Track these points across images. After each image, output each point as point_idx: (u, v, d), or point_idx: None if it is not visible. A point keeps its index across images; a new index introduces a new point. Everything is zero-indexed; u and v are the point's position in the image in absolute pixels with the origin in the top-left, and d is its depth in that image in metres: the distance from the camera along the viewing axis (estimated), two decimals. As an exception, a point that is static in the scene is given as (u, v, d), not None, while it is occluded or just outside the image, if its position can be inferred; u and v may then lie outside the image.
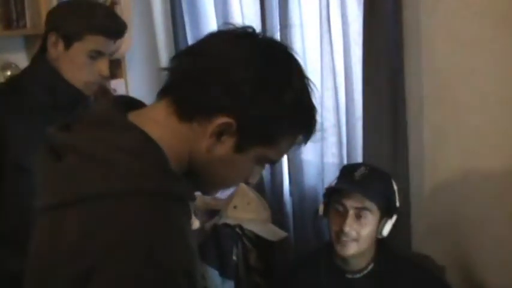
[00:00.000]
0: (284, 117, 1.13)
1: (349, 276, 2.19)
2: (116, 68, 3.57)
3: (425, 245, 2.66)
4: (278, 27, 3.04)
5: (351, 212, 2.08)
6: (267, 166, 3.17)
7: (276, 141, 1.15)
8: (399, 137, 2.65)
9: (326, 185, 2.92)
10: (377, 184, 2.13)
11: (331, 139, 2.97)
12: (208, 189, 1.27)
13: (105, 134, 1.08)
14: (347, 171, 2.21)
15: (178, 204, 1.08)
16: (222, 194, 3.34)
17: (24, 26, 3.12)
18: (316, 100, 1.19)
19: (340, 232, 2.09)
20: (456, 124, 2.50)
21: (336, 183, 2.18)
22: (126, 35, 3.08)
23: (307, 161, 3.15)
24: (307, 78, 1.19)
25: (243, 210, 2.74)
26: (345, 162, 2.89)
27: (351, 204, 2.09)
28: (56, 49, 2.06)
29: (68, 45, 2.05)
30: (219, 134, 1.11)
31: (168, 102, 1.13)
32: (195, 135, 1.12)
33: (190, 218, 1.16)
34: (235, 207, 2.75)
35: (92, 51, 2.06)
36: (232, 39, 1.16)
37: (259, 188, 3.22)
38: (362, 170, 2.15)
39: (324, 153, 3.00)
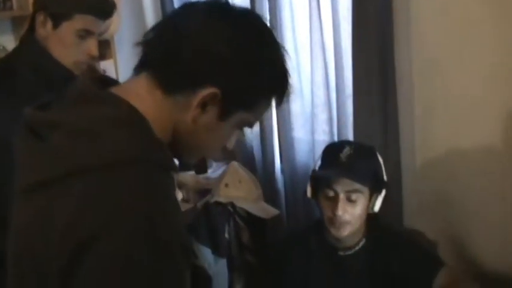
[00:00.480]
0: (264, 83, 1.18)
1: (341, 253, 2.20)
2: (105, 48, 3.55)
3: (417, 221, 2.67)
4: (267, 5, 3.03)
5: (342, 196, 2.08)
6: (258, 143, 3.21)
7: (255, 105, 1.20)
8: (389, 113, 2.65)
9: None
10: (364, 163, 2.12)
11: (321, 116, 2.97)
12: (190, 158, 1.29)
13: (89, 108, 1.09)
14: (331, 152, 2.20)
15: (166, 174, 1.10)
16: (214, 174, 3.35)
17: (11, 7, 3.09)
18: (290, 65, 1.24)
19: (333, 216, 2.09)
20: (447, 100, 2.49)
21: (321, 167, 2.17)
22: (115, 16, 3.06)
23: (298, 139, 3.15)
24: (282, 46, 1.23)
25: (235, 188, 2.74)
26: (336, 139, 2.89)
27: (341, 188, 2.08)
28: (44, 28, 2.04)
29: (56, 24, 2.03)
30: (203, 105, 1.13)
31: (149, 77, 1.15)
32: (180, 107, 1.14)
33: (175, 189, 1.20)
34: (226, 185, 2.75)
35: (81, 30, 2.04)
36: (210, 11, 1.18)
37: (250, 166, 3.23)
38: (347, 150, 2.13)
39: (315, 130, 3.01)
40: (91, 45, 2.09)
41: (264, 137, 3.25)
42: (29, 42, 2.11)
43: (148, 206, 1.00)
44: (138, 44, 1.18)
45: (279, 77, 1.21)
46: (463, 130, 2.46)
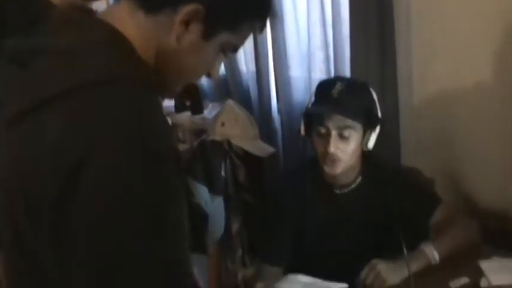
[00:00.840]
0: (247, 2, 1.16)
1: (337, 191, 2.18)
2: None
3: (414, 159, 2.66)
4: None
5: (334, 133, 2.04)
6: (254, 83, 3.18)
7: (239, 25, 1.17)
8: (387, 51, 2.61)
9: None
10: (356, 99, 2.07)
11: (318, 54, 2.95)
12: (175, 83, 1.24)
13: (69, 32, 1.06)
14: (323, 89, 2.14)
15: (151, 92, 1.08)
16: (210, 114, 3.34)
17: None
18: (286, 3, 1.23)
19: (326, 153, 2.06)
20: (445, 36, 2.45)
21: (314, 104, 2.14)
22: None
23: (295, 77, 3.13)
24: None
25: (231, 126, 2.72)
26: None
27: (333, 125, 2.04)
28: None
29: None
30: (187, 22, 1.09)
31: (129, 2, 1.11)
32: (163, 28, 1.10)
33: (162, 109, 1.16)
34: (222, 124, 2.73)
35: None
36: None
37: (246, 105, 3.20)
38: (339, 86, 2.06)
39: (312, 68, 2.98)
40: None
41: (260, 76, 3.22)
42: None
43: (135, 119, 0.97)
44: None
45: None
46: (462, 66, 2.43)
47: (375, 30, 2.59)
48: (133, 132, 0.96)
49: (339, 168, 2.08)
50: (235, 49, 1.24)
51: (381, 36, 2.59)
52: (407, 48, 2.60)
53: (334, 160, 2.06)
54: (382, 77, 2.62)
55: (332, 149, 2.03)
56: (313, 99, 2.15)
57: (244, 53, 3.36)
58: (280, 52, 3.08)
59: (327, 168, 2.09)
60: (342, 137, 2.04)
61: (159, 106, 1.10)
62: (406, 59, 2.61)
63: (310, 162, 2.21)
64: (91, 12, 1.17)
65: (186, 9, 1.07)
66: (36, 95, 1.01)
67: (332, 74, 2.89)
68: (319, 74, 2.96)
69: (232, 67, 3.44)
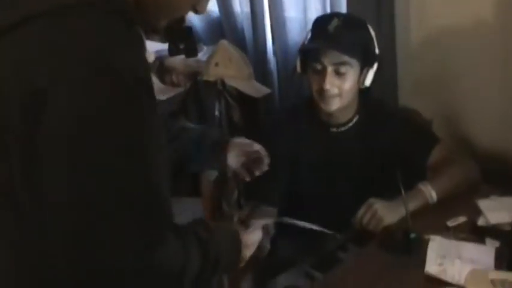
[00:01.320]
0: None
1: (334, 130, 2.16)
2: None
3: (412, 101, 2.63)
4: None
5: (330, 69, 2.01)
6: (248, 24, 3.13)
7: None
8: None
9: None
10: (353, 35, 2.02)
11: (313, -6, 2.88)
12: (157, 18, 1.22)
13: None
14: (319, 24, 2.09)
15: (128, 25, 1.05)
16: (204, 56, 3.29)
17: None
18: None
19: (322, 90, 2.03)
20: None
21: (310, 40, 2.09)
22: None
23: (290, 18, 3.06)
24: None
25: (225, 66, 2.68)
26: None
27: (328, 61, 2.00)
28: None
29: None
30: None
31: None
32: None
33: (143, 46, 1.15)
34: (216, 64, 2.69)
35: None
36: None
37: (241, 47, 3.15)
38: (335, 22, 2.02)
39: (307, 7, 2.92)
40: None
41: (255, 17, 3.16)
42: None
43: (100, 43, 0.97)
44: None
45: None
46: (462, 5, 2.37)
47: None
48: (99, 59, 0.96)
49: (334, 105, 2.05)
50: None
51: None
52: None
53: (330, 96, 2.03)
54: (378, 16, 2.55)
55: (328, 85, 2.00)
56: (309, 35, 2.10)
57: (238, -7, 3.30)
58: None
59: (323, 105, 2.06)
60: (338, 73, 2.00)
61: (130, 36, 1.06)
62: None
63: (305, 101, 2.18)
64: None
65: None
66: (3, 19, 0.99)
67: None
68: (315, 14, 2.89)
69: (227, 8, 3.38)
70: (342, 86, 2.02)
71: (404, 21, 2.58)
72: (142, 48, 1.09)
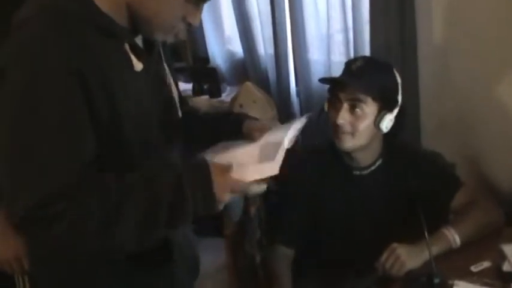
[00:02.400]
0: None
1: (357, 172, 2.16)
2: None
3: (435, 143, 2.62)
4: None
5: (345, 105, 2.02)
6: (272, 66, 3.15)
7: None
8: (407, 33, 2.57)
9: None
10: (373, 75, 2.04)
11: (337, 37, 2.92)
12: (149, 30, 1.36)
13: None
14: (347, 64, 2.13)
15: (98, 34, 1.25)
16: (227, 97, 3.33)
17: None
18: None
19: (336, 125, 2.04)
20: (467, 18, 2.40)
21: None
22: None
23: (314, 60, 3.10)
24: None
25: (249, 108, 2.70)
26: (353, 59, 2.84)
27: (344, 96, 2.02)
28: None
29: None
30: None
31: None
32: None
33: (126, 57, 1.34)
34: (241, 105, 2.71)
35: None
36: None
37: (265, 89, 3.18)
38: (359, 62, 2.07)
39: (331, 50, 2.95)
40: None
41: (279, 59, 3.20)
42: None
43: (43, 40, 1.17)
44: None
45: None
46: (485, 48, 2.37)
47: (395, 13, 2.54)
48: (30, 54, 1.18)
49: (347, 143, 2.05)
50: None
51: (401, 19, 2.55)
52: (428, 33, 2.55)
53: (342, 133, 2.04)
54: (402, 61, 2.57)
55: (340, 120, 2.01)
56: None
57: (263, 35, 3.34)
58: (299, 35, 3.06)
59: (336, 142, 2.07)
60: (353, 110, 2.01)
61: (80, 34, 1.22)
62: (427, 42, 2.57)
63: (329, 143, 2.19)
64: None
65: None
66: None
67: (352, 57, 2.85)
68: (339, 57, 2.93)
69: (251, 50, 3.42)
70: (355, 124, 2.03)
71: (428, 64, 2.60)
72: (103, 53, 1.26)
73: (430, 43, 2.56)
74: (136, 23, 1.31)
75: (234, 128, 1.67)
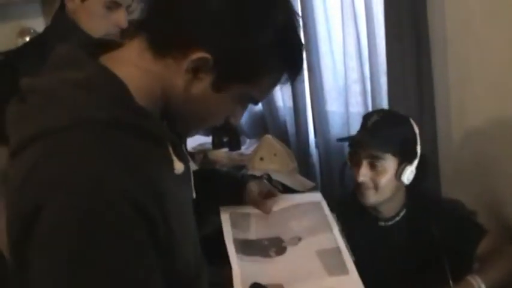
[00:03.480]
0: (266, 53, 1.06)
1: (382, 223, 2.17)
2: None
3: (454, 190, 2.62)
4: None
5: (365, 162, 2.04)
6: (291, 118, 3.18)
7: (257, 78, 1.09)
8: (424, 81, 2.58)
9: (351, 134, 2.91)
10: (390, 130, 2.06)
11: (355, 88, 2.94)
12: (187, 129, 1.22)
13: (61, 72, 1.03)
14: (364, 119, 2.16)
15: (141, 140, 1.02)
16: (247, 150, 3.35)
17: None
18: (322, 35, 1.15)
19: (357, 182, 2.07)
20: (483, 66, 2.43)
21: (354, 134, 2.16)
22: None
23: (332, 112, 3.12)
24: (294, 11, 1.11)
25: (270, 161, 2.73)
26: (370, 110, 2.85)
27: (363, 154, 2.05)
28: (73, 2, 2.06)
29: None
30: (195, 71, 1.04)
31: (142, 39, 1.07)
32: (170, 72, 1.06)
33: (167, 160, 1.11)
34: (261, 158, 2.74)
35: (108, 1, 2.04)
36: None
37: (284, 140, 3.21)
38: (374, 117, 2.08)
39: (349, 102, 2.97)
40: (119, 17, 2.08)
41: (297, 110, 3.23)
42: (59, 18, 2.13)
43: (94, 167, 0.93)
44: (140, 1, 1.14)
45: (286, 48, 1.09)
46: (501, 96, 2.39)
47: (411, 63, 2.57)
48: (91, 183, 0.92)
49: (370, 198, 2.07)
50: (255, 101, 1.17)
51: (418, 69, 2.57)
52: (444, 80, 2.57)
53: (365, 189, 2.06)
54: (420, 110, 2.59)
55: (361, 177, 2.03)
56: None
57: (281, 89, 3.36)
58: (317, 87, 3.09)
59: (360, 198, 2.09)
60: (373, 167, 2.04)
61: (131, 154, 1.00)
62: (443, 90, 2.59)
63: (353, 194, 2.20)
64: (106, 46, 1.14)
65: (192, 57, 1.02)
66: (21, 135, 1.00)
67: (369, 108, 2.88)
68: (357, 108, 2.95)
69: (270, 103, 3.46)
70: (376, 180, 2.04)
71: (445, 114, 2.61)
72: (147, 166, 1.01)
73: (447, 92, 2.58)
74: (172, 118, 1.13)
75: (234, 192, 1.61)
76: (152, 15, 1.08)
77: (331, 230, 1.51)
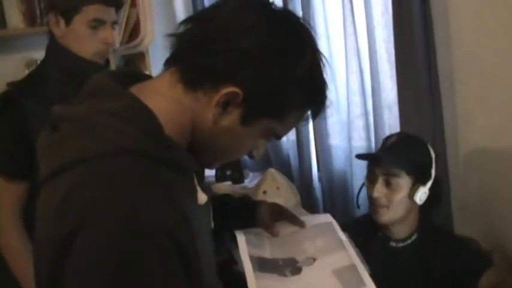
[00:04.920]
0: (293, 91, 1.11)
1: (393, 244, 2.22)
2: (140, 61, 3.59)
3: (461, 222, 2.62)
4: (300, 11, 3.03)
5: (380, 179, 2.13)
6: (294, 152, 3.19)
7: (283, 114, 1.13)
8: (435, 117, 2.56)
9: (354, 168, 2.94)
10: (407, 151, 2.15)
11: (358, 122, 2.96)
12: (211, 161, 1.23)
13: (96, 101, 1.07)
14: (384, 140, 2.27)
15: (170, 171, 1.05)
16: (250, 183, 3.35)
17: (48, 22, 3.14)
18: (327, 75, 1.17)
19: (372, 199, 2.15)
20: (485, 101, 2.44)
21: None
22: (149, 27, 3.10)
23: (335, 146, 3.14)
24: (320, 52, 1.16)
25: (273, 195, 2.73)
26: (373, 145, 2.87)
27: (379, 171, 2.14)
28: (58, 28, 2.12)
29: (68, 21, 2.10)
30: (225, 104, 1.08)
31: (174, 71, 1.11)
32: (200, 105, 1.09)
33: (192, 190, 1.15)
34: (264, 192, 2.75)
35: (92, 21, 2.10)
36: (245, 6, 1.12)
37: (287, 174, 3.22)
38: (394, 138, 2.20)
39: (352, 137, 2.99)
40: (106, 34, 2.15)
41: (301, 144, 3.24)
42: (51, 47, 2.19)
43: (129, 196, 0.96)
44: (169, 35, 1.14)
45: (313, 87, 1.15)
46: (505, 130, 2.41)
47: (421, 97, 2.54)
48: (124, 209, 0.95)
49: (383, 216, 2.14)
50: (278, 136, 1.20)
51: (428, 102, 2.55)
52: (452, 114, 2.58)
53: (378, 206, 2.14)
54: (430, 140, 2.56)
55: (376, 193, 2.11)
56: None
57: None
58: (321, 121, 3.10)
59: (373, 215, 2.17)
60: (388, 184, 2.11)
61: (178, 188, 1.05)
62: (451, 124, 2.60)
63: (366, 216, 2.25)
64: (134, 77, 1.18)
65: (223, 91, 1.06)
66: (54, 162, 1.03)
67: (372, 142, 2.90)
68: (359, 142, 2.97)
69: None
70: (391, 197, 2.11)
71: (454, 149, 2.62)
72: (177, 195, 1.04)
73: (454, 127, 2.59)
74: (197, 149, 1.15)
75: (247, 215, 1.64)
76: (185, 50, 1.11)
77: (344, 248, 1.53)
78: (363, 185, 2.29)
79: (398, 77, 2.63)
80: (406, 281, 2.16)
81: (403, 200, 2.12)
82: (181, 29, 1.13)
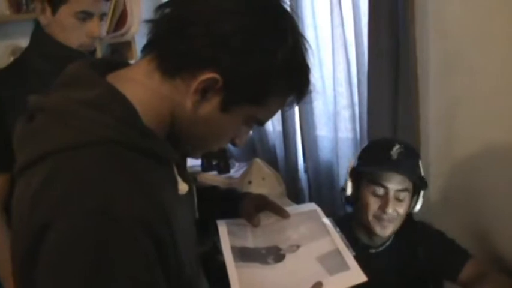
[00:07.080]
0: (274, 75, 1.07)
1: (373, 251, 2.19)
2: (127, 50, 3.58)
3: (442, 218, 2.63)
4: (288, 2, 3.02)
5: (392, 194, 2.06)
6: (280, 143, 3.19)
7: (265, 100, 1.09)
8: (410, 109, 2.59)
9: (340, 159, 2.92)
10: (412, 162, 2.11)
11: (344, 113, 2.96)
12: (192, 150, 1.21)
13: (70, 91, 1.04)
14: (381, 149, 2.14)
15: (147, 161, 1.03)
16: (236, 173, 3.35)
17: (34, 9, 3.12)
18: (310, 59, 1.13)
19: (382, 214, 2.07)
20: (469, 94, 2.45)
21: (369, 164, 2.14)
22: (136, 16, 3.06)
23: (321, 136, 3.15)
24: (302, 35, 1.11)
25: (258, 185, 2.74)
26: (359, 136, 2.88)
27: (392, 186, 2.05)
28: (45, 16, 2.07)
29: (54, 10, 2.05)
30: (203, 91, 1.05)
31: (151, 58, 1.08)
32: (179, 92, 1.06)
33: (172, 179, 1.13)
34: (249, 182, 2.75)
35: (79, 12, 2.05)
36: None
37: (273, 165, 3.22)
38: (398, 148, 2.09)
39: (338, 128, 2.99)
40: (92, 27, 2.09)
41: (287, 135, 3.25)
42: (36, 35, 2.15)
43: (103, 187, 0.94)
44: (147, 21, 1.10)
45: (294, 71, 1.10)
46: (487, 125, 2.41)
47: (393, 96, 2.58)
48: (101, 204, 0.92)
49: (389, 229, 2.10)
50: (260, 123, 1.17)
51: (404, 95, 2.58)
52: (434, 107, 2.59)
53: (388, 220, 2.08)
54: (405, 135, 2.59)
55: (390, 210, 2.04)
56: (365, 159, 2.18)
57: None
58: (307, 112, 3.11)
59: (378, 229, 2.10)
60: (398, 198, 2.06)
61: (156, 177, 1.04)
62: (431, 118, 2.61)
63: (345, 223, 2.20)
64: (112, 65, 1.15)
65: (201, 77, 1.03)
66: (28, 154, 1.01)
67: (358, 133, 2.91)
68: (345, 133, 2.98)
69: (259, 127, 3.45)
70: (399, 211, 2.08)
71: (433, 143, 2.63)
72: (154, 185, 1.02)
73: (436, 119, 2.61)
74: (177, 138, 1.12)
75: (231, 206, 1.61)
76: (161, 36, 1.08)
77: (328, 233, 1.52)
78: (342, 189, 2.24)
79: (369, 80, 2.68)
80: (388, 283, 2.14)
81: (406, 211, 2.10)
82: (159, 14, 1.09)
